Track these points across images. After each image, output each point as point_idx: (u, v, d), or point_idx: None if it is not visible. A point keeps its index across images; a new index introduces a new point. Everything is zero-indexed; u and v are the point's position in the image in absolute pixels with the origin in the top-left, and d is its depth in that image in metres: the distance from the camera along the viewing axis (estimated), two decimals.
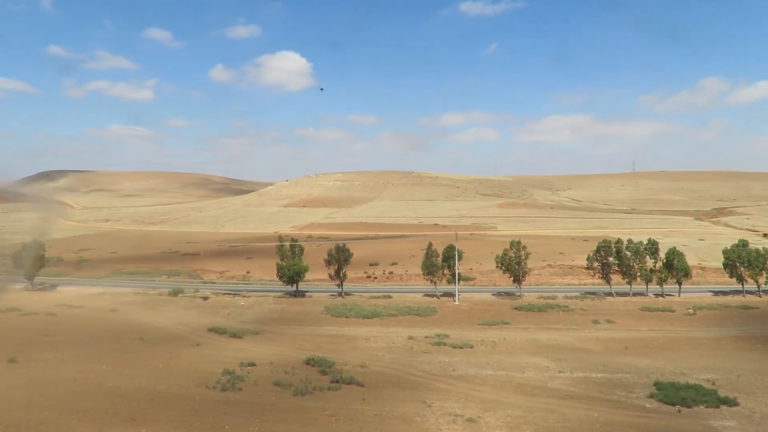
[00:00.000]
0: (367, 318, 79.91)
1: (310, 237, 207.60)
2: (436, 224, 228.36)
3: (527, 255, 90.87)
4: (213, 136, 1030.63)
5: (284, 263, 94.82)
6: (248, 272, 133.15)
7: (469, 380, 49.52)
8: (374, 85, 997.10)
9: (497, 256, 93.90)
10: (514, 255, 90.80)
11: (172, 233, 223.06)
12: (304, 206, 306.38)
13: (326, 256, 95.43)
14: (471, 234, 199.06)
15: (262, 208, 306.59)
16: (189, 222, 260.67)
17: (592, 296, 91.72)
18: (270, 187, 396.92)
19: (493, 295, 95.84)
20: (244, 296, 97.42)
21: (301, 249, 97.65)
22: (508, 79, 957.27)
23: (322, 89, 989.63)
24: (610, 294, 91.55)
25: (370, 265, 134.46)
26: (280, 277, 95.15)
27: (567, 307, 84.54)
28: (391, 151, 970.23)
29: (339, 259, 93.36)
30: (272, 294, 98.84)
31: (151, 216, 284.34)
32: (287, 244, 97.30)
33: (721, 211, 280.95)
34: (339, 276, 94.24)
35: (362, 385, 45.89)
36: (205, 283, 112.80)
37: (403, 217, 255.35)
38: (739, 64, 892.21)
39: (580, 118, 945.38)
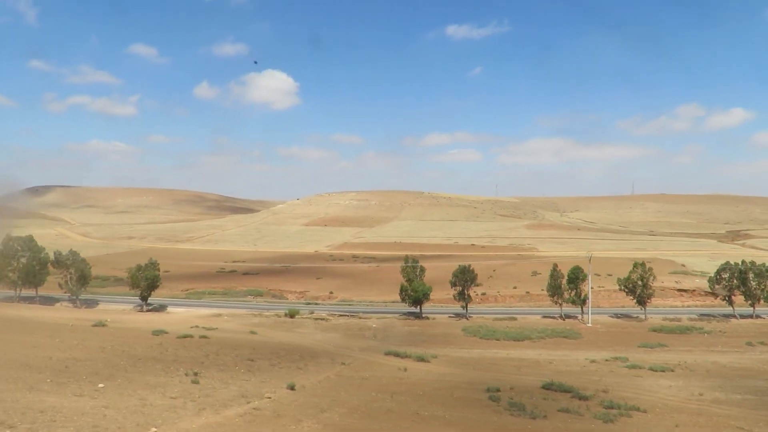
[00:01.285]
0: (519, 340, 79.69)
1: (355, 256, 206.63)
2: (473, 245, 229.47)
3: (654, 277, 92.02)
4: (194, 153, 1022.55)
5: (408, 284, 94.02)
6: (331, 292, 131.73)
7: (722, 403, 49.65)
8: (359, 105, 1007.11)
9: (620, 279, 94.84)
10: (638, 277, 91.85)
11: (209, 252, 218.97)
12: (325, 225, 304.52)
13: (451, 278, 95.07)
14: (518, 255, 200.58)
15: (283, 227, 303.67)
16: (216, 240, 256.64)
17: (712, 318, 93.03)
18: (281, 205, 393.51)
19: (612, 316, 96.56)
20: (361, 317, 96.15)
21: (423, 270, 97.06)
22: (492, 101, 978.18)
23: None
24: (732, 316, 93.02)
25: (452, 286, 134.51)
26: (404, 299, 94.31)
27: (702, 329, 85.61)
28: (375, 171, 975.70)
29: (465, 280, 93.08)
30: (390, 315, 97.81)
31: (173, 234, 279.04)
32: (411, 264, 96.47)
33: (737, 234, 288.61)
34: (463, 297, 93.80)
35: (645, 411, 45.51)
36: (309, 304, 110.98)
37: (435, 237, 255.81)
38: (715, 91, 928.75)
39: (561, 141, 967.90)
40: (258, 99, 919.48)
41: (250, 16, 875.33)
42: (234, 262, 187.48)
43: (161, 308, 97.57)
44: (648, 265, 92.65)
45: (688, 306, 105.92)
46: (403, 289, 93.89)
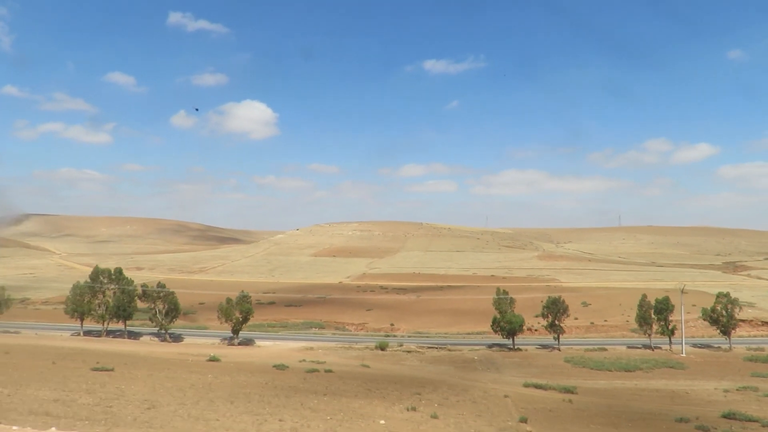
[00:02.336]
0: (630, 371, 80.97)
1: (383, 287, 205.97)
2: (492, 275, 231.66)
3: (741, 307, 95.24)
4: (169, 181, 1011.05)
5: (500, 315, 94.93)
6: (392, 324, 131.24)
7: None
8: (337, 135, 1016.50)
9: (704, 309, 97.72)
10: (723, 307, 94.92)
11: (230, 283, 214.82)
12: (334, 256, 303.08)
13: (542, 309, 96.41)
14: (546, 285, 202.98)
15: (291, 258, 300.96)
16: (230, 271, 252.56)
17: None
18: (280, 235, 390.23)
19: (694, 346, 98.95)
20: (450, 349, 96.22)
21: (513, 301, 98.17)
22: (467, 133, 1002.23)
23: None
24: None
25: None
26: (496, 330, 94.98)
27: None
28: (351, 201, 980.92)
29: (556, 311, 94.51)
30: (478, 347, 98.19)
31: (182, 264, 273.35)
32: (504, 296, 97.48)
33: (735, 266, 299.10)
34: (554, 328, 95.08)
35: None
36: (387, 336, 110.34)
37: (450, 268, 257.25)
38: (682, 127, 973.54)
39: (535, 173, 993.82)
40: (236, 129, 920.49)
41: (230, 47, 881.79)
42: (265, 293, 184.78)
43: (249, 342, 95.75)
44: (720, 297, 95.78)
45: (755, 336, 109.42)
46: (495, 321, 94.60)
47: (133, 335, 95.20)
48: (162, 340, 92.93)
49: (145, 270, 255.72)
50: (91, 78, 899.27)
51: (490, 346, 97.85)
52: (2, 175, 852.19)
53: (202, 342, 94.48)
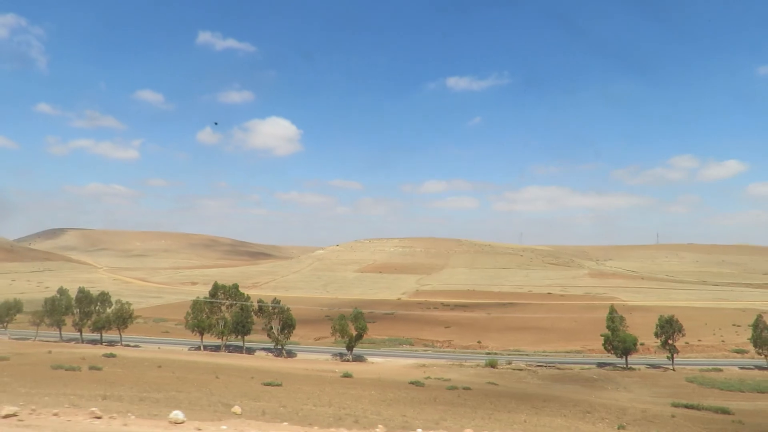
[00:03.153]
0: (762, 392, 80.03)
1: (444, 304, 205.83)
2: (549, 293, 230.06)
3: None
4: (192, 196, 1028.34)
5: (611, 333, 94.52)
6: (479, 341, 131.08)
7: None
8: (359, 152, 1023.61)
9: None
10: None
11: (289, 298, 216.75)
12: (380, 272, 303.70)
13: (655, 328, 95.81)
14: (611, 304, 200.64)
15: (338, 273, 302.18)
16: (285, 287, 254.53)
17: None
18: (321, 251, 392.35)
19: None
20: (559, 368, 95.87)
21: (623, 319, 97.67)
22: (489, 150, 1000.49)
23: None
24: None
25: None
26: (608, 349, 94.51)
27: None
28: (372, 217, 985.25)
29: (671, 330, 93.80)
30: (588, 365, 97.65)
31: (235, 280, 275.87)
32: (616, 315, 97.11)
33: None
34: (669, 347, 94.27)
35: None
36: (489, 354, 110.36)
37: (502, 285, 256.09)
38: (709, 143, 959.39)
39: (557, 189, 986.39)
40: (260, 145, 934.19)
41: (257, 64, 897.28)
42: (324, 308, 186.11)
43: (361, 358, 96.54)
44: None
45: None
46: (607, 339, 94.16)
47: (248, 350, 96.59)
48: (276, 356, 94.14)
49: (199, 284, 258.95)
50: (121, 95, 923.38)
51: (600, 364, 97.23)
52: (33, 189, 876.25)
53: (315, 358, 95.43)
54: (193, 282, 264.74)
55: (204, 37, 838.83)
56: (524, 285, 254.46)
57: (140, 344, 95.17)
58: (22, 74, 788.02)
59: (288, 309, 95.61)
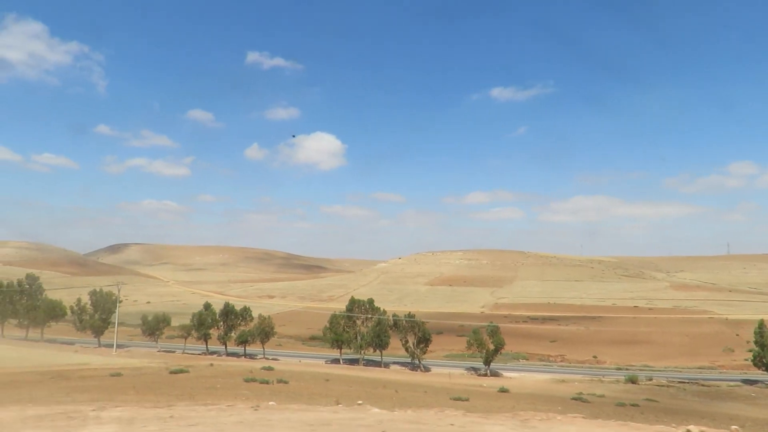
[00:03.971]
0: None
1: (532, 318, 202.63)
2: (636, 306, 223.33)
3: None
4: (238, 211, 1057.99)
5: (760, 349, 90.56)
6: (595, 356, 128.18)
7: None
8: (402, 164, 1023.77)
9: None
10: None
11: None
12: (450, 285, 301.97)
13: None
14: (710, 318, 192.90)
15: (407, 286, 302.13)
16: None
17: None
18: (383, 264, 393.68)
19: None
20: (702, 384, 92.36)
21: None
22: (534, 160, 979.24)
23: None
24: None
25: None
26: (759, 365, 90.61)
27: None
28: (414, 229, 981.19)
29: None
30: (731, 382, 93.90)
31: (309, 293, 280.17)
32: (766, 329, 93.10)
33: None
34: None
35: None
36: (619, 369, 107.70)
37: (582, 298, 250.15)
38: None
39: (604, 198, 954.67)
40: (305, 160, 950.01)
41: (303, 82, 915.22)
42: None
43: (496, 373, 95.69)
44: None
45: None
46: (757, 355, 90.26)
47: (382, 364, 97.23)
48: (411, 369, 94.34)
49: (277, 298, 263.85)
50: (174, 115, 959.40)
51: (747, 381, 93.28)
52: (91, 206, 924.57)
53: (448, 372, 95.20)
54: (270, 295, 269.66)
55: (252, 56, 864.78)
56: (605, 298, 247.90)
57: (278, 357, 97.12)
58: (84, 98, 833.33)
59: (423, 323, 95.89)
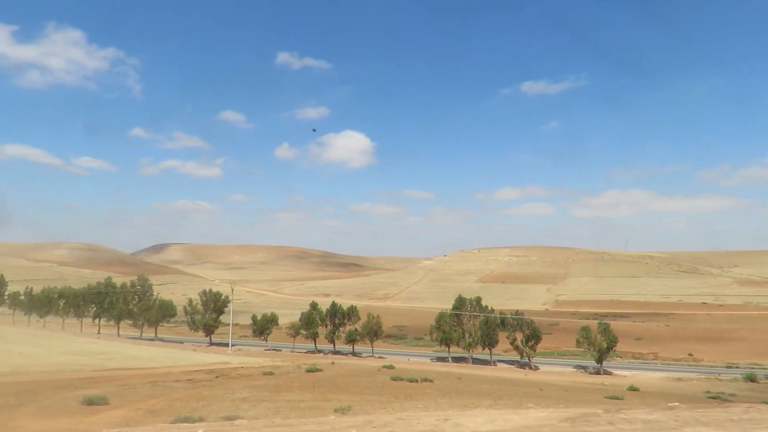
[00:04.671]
0: None
1: (602, 314, 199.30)
2: (704, 302, 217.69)
3: None
4: (268, 210, 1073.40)
5: None
6: (690, 354, 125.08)
7: None
8: (431, 161, 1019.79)
9: None
10: None
11: (431, 310, 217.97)
12: (503, 282, 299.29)
13: None
14: None
15: (458, 284, 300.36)
16: (417, 297, 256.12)
17: None
18: (428, 261, 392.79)
19: None
20: None
21: None
22: (565, 154, 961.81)
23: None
24: None
25: None
26: None
27: None
28: (443, 226, 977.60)
29: None
30: None
31: (364, 291, 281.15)
32: None
33: None
34: None
35: None
36: (729, 367, 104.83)
37: (644, 295, 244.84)
38: None
39: (640, 192, 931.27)
40: (335, 158, 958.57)
41: (332, 81, 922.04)
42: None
43: (608, 372, 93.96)
44: None
45: None
46: None
47: (491, 362, 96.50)
48: (519, 367, 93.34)
49: (333, 296, 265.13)
50: (206, 117, 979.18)
51: None
52: (127, 207, 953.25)
53: (558, 370, 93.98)
54: (326, 294, 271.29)
55: (283, 57, 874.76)
56: (669, 294, 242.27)
57: (383, 355, 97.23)
58: (121, 102, 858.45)
59: (532, 321, 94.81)
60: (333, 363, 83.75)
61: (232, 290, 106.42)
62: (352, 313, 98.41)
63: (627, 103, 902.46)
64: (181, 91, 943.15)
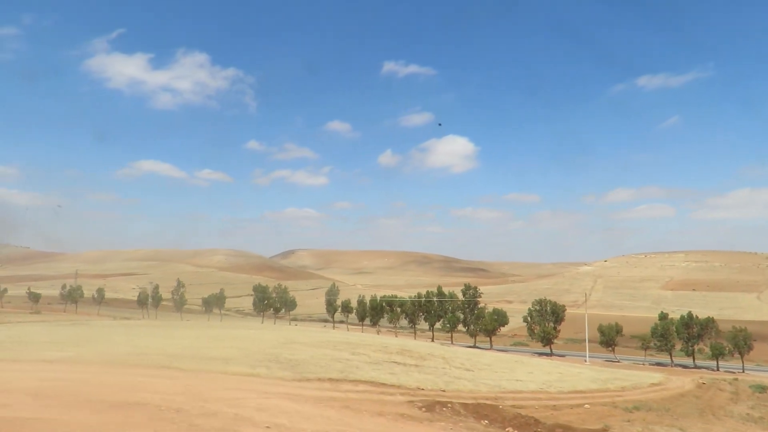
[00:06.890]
0: None
1: None
2: None
3: None
4: (372, 217, 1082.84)
5: None
6: None
7: None
8: (537, 163, 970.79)
9: None
10: None
11: (637, 319, 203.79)
12: (693, 289, 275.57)
13: None
14: None
15: (643, 291, 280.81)
16: (606, 305, 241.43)
17: None
18: (587, 267, 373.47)
19: None
20: None
21: None
22: (687, 152, 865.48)
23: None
24: None
25: None
26: None
27: None
28: (548, 230, 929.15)
29: None
30: None
31: (531, 297, 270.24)
32: None
33: None
34: None
35: None
36: None
37: None
38: None
39: None
40: (437, 164, 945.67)
41: (436, 87, 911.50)
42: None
43: None
44: None
45: None
46: None
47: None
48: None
49: (515, 303, 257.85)
50: (314, 128, 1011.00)
51: None
52: (241, 216, 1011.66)
53: None
54: (508, 300, 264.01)
55: (388, 66, 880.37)
56: None
57: (731, 370, 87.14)
58: (239, 118, 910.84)
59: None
60: (736, 379, 75.57)
61: (586, 298, 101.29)
62: (710, 324, 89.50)
63: (757, 94, 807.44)
64: (291, 105, 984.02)
